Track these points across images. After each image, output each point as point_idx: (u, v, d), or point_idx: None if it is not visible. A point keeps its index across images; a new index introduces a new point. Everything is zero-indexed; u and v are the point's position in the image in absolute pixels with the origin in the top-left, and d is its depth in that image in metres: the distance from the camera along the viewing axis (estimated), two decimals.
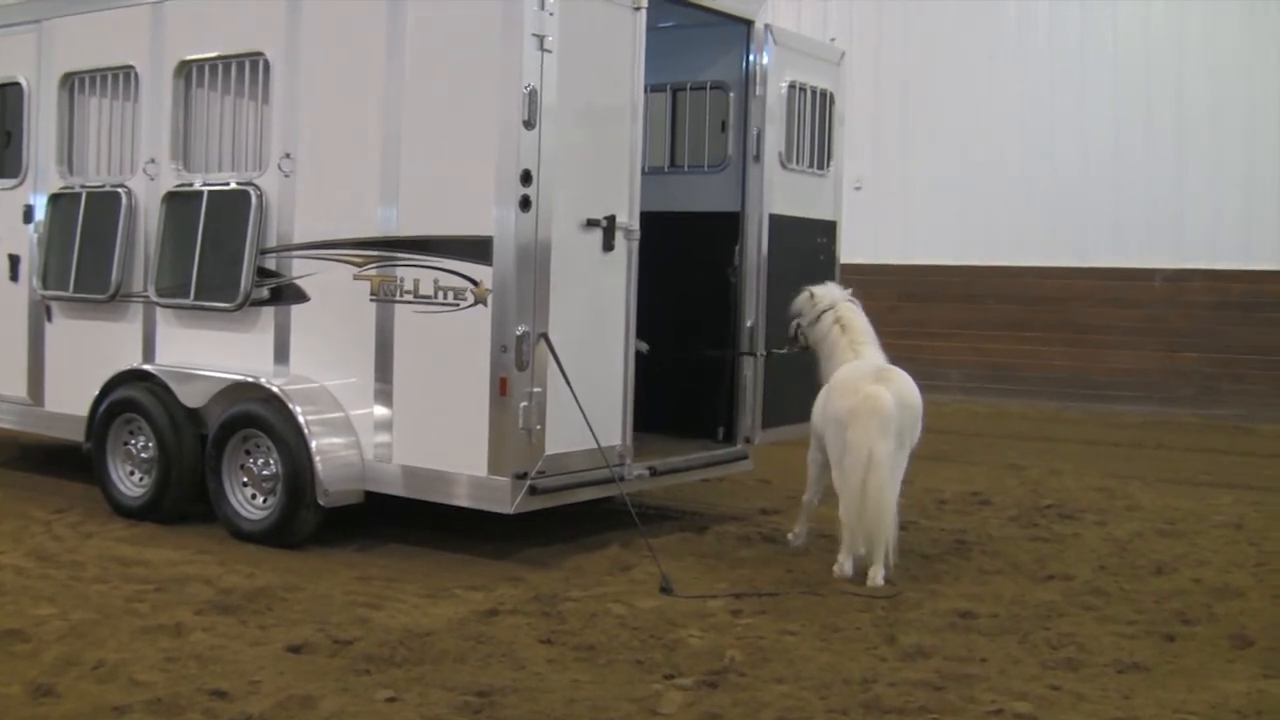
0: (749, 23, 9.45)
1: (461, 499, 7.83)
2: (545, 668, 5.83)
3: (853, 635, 6.43)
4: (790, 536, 8.45)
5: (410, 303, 7.97)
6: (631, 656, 6.00)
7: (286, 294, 8.60)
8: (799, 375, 8.81)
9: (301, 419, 8.15)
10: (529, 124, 7.52)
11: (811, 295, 8.49)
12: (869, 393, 7.48)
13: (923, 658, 6.09)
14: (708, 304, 9.56)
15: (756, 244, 9.45)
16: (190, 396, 8.87)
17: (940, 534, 8.89)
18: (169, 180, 9.31)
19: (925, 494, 10.41)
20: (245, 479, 8.54)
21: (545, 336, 7.69)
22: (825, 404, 7.83)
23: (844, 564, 7.59)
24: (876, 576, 7.37)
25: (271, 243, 8.66)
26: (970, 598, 7.16)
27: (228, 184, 8.94)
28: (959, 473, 11.74)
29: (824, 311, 8.36)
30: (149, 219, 9.42)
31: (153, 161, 9.43)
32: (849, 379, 7.73)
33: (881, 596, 7.12)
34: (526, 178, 7.53)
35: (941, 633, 6.50)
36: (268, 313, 8.70)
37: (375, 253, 8.13)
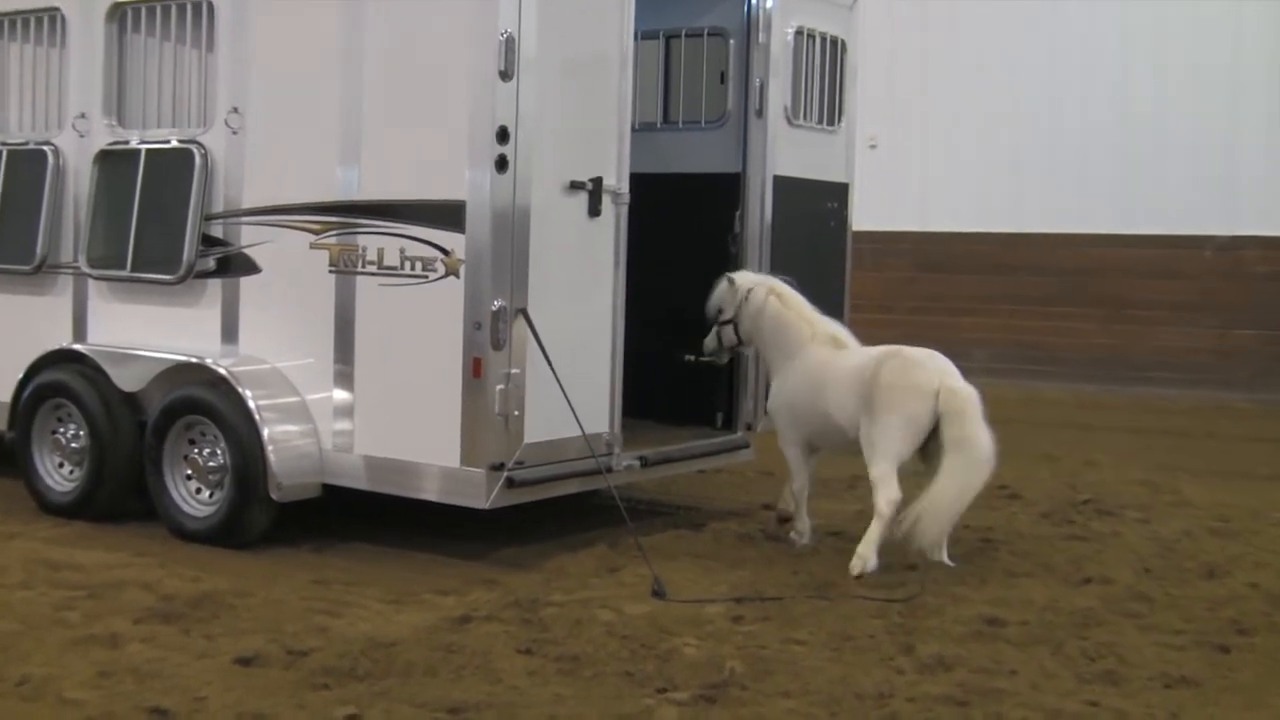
0: None
1: (431, 493, 7.84)
2: (524, 681, 5.83)
3: (866, 644, 6.44)
4: (793, 535, 8.51)
5: (373, 274, 7.96)
6: (620, 668, 6.01)
7: (235, 265, 8.59)
8: None
9: (252, 404, 8.15)
10: (506, 75, 7.50)
11: (731, 281, 8.64)
12: (955, 388, 7.80)
13: (944, 670, 6.10)
14: (705, 275, 9.53)
15: (759, 209, 9.46)
16: (127, 380, 8.86)
17: (963, 532, 8.89)
18: (101, 138, 9.28)
19: None
20: (189, 471, 8.54)
21: (524, 312, 7.69)
22: (894, 389, 7.82)
23: (869, 559, 7.75)
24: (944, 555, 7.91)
25: (218, 208, 8.65)
26: (997, 603, 7.17)
27: (168, 142, 8.92)
28: None
29: (750, 290, 8.54)
30: (79, 181, 9.40)
31: (83, 116, 9.39)
32: (916, 363, 7.92)
33: (898, 600, 7.14)
34: (503, 135, 7.52)
35: (965, 642, 6.51)
36: (214, 286, 8.69)
37: (334, 219, 8.12)
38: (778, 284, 8.58)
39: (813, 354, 8.30)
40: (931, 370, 7.88)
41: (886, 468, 7.80)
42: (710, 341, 8.83)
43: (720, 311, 8.70)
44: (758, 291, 8.53)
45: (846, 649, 6.38)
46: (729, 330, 8.69)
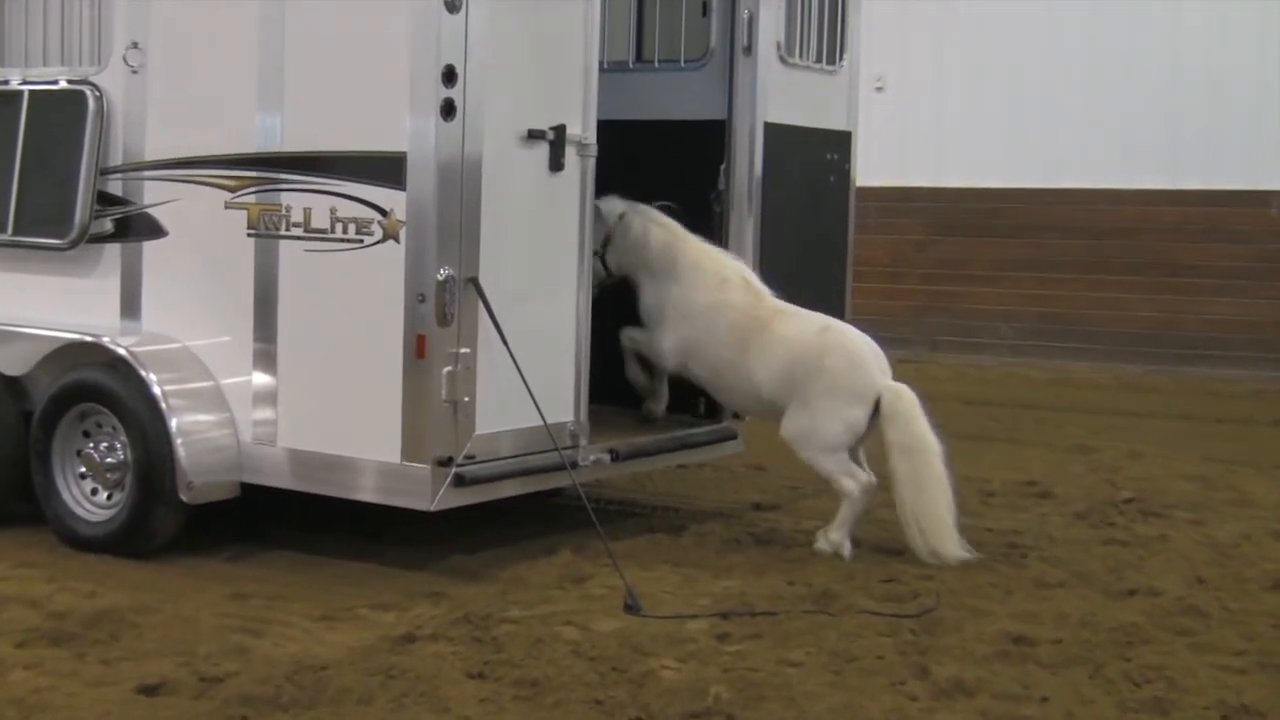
0: None
1: (367, 492, 7.86)
2: (476, 709, 5.85)
3: (873, 666, 6.47)
4: (645, 407, 9.24)
5: (299, 238, 7.95)
6: (587, 695, 6.03)
7: (137, 227, 8.58)
8: None
9: (157, 390, 8.13)
10: (453, 6, 7.48)
11: (598, 210, 8.85)
12: (899, 391, 8.39)
13: (964, 695, 6.14)
14: None
15: (748, 161, 9.46)
16: (9, 362, 8.84)
17: (986, 536, 8.94)
18: None
19: (967, 484, 10.39)
20: (83, 469, 8.52)
21: (475, 282, 7.69)
22: (837, 391, 8.36)
23: (841, 544, 8.39)
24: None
25: (116, 160, 8.63)
26: (1026, 618, 7.22)
27: (56, 82, 8.90)
28: (1010, 456, 11.81)
29: (621, 215, 9.05)
30: None
31: None
32: (861, 363, 8.47)
33: (910, 615, 7.18)
34: (450, 76, 7.51)
35: (988, 663, 6.55)
36: (112, 251, 8.68)
37: (253, 173, 8.11)
38: (653, 212, 9.14)
39: (732, 301, 8.78)
40: (875, 370, 8.46)
41: (835, 460, 8.48)
42: None
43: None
44: (633, 220, 9.02)
45: (850, 671, 6.41)
46: (595, 263, 8.89)
